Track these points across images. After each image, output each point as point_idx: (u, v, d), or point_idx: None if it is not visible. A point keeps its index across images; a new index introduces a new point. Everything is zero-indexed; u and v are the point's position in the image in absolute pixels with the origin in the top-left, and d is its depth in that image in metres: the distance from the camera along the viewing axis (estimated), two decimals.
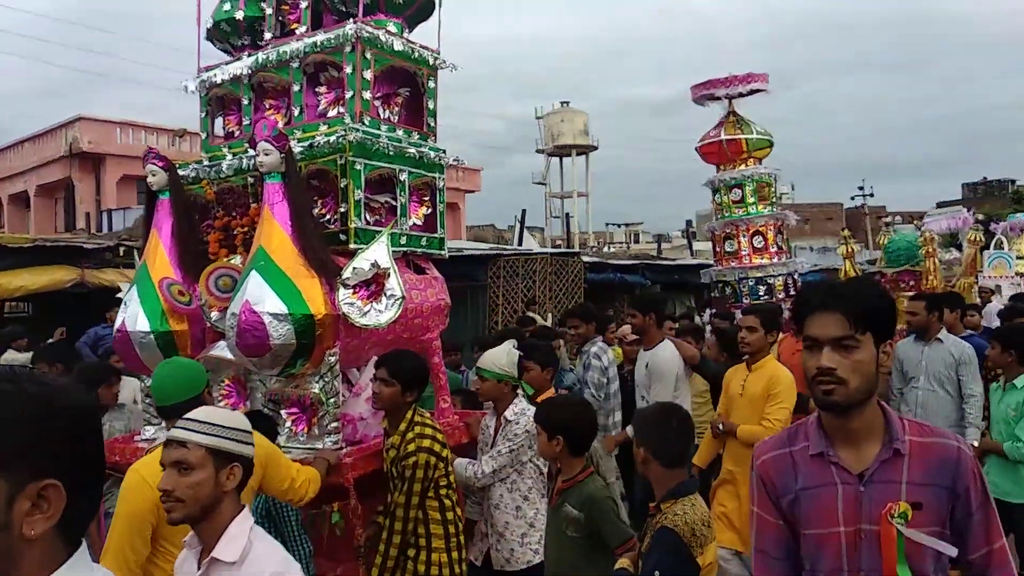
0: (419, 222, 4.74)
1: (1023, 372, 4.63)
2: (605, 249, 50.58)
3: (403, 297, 3.99)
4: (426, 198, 4.77)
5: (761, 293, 10.43)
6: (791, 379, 4.62)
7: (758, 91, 11.25)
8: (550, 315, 16.38)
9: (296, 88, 4.55)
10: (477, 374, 4.47)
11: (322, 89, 4.57)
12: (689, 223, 48.61)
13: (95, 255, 9.93)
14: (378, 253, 4.02)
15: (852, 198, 47.05)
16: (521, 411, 4.13)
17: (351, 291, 3.98)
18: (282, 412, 4.09)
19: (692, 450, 3.39)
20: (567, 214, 47.21)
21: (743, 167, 10.75)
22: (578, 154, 53.64)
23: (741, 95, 10.88)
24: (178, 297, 4.30)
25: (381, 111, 4.58)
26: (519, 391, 4.30)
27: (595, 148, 54.36)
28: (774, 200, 10.93)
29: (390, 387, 3.75)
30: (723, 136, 10.77)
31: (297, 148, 4.27)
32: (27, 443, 1.09)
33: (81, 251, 9.89)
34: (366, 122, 4.35)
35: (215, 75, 4.82)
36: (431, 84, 4.79)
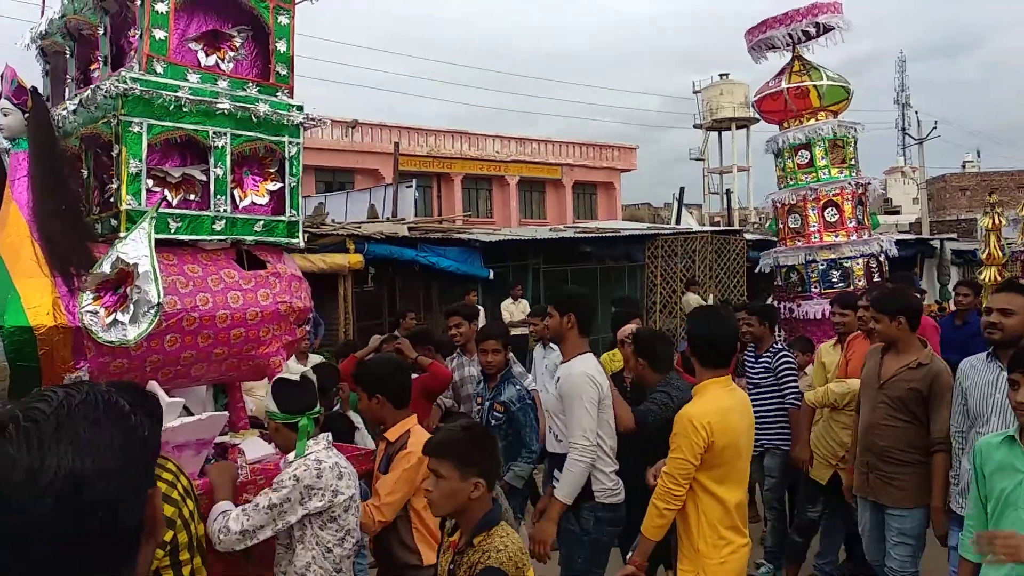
0: (260, 201, 3.63)
1: None
2: (767, 226, 47.24)
3: (160, 304, 2.92)
4: (271, 169, 3.66)
5: (835, 280, 8.15)
6: (693, 419, 3.10)
7: (830, 29, 8.80)
8: (711, 295, 14.85)
9: (100, 32, 3.57)
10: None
11: (132, 31, 3.57)
12: None
13: None
14: (130, 246, 2.97)
15: None
16: (309, 455, 2.95)
17: (95, 296, 2.96)
18: None
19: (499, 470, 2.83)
20: (727, 190, 44.72)
21: (812, 122, 8.43)
22: (738, 127, 50.48)
23: (807, 36, 8.51)
24: None
25: (203, 56, 3.51)
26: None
27: (757, 120, 50.75)
28: (852, 163, 8.55)
29: None
30: (784, 85, 8.56)
31: (71, 107, 3.31)
32: None
33: None
34: (159, 70, 3.29)
35: (41, 24, 3.94)
36: (281, 20, 3.65)
